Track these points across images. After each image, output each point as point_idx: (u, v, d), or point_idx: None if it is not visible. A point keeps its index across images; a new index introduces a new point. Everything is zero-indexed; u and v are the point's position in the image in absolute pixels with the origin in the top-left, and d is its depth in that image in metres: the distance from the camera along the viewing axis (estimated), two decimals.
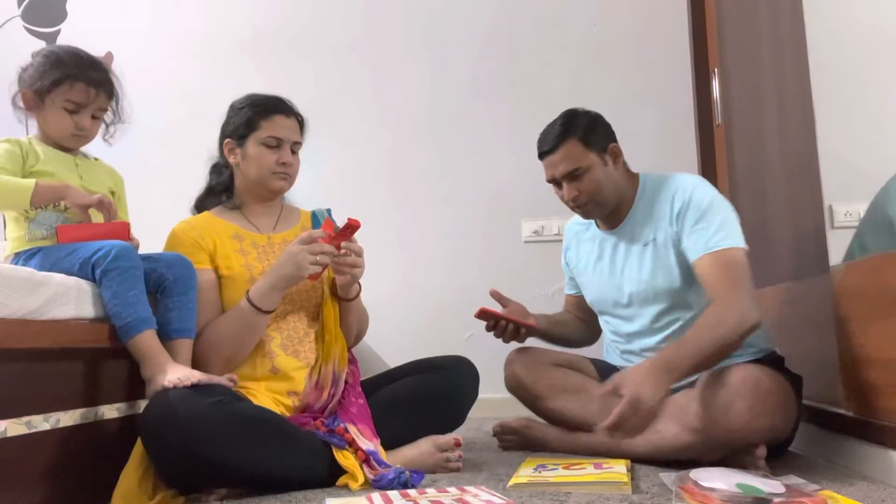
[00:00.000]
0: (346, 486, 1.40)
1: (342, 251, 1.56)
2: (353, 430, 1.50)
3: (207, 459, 1.29)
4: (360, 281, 1.68)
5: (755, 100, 2.29)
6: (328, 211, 1.60)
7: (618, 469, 1.40)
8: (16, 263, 1.48)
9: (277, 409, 1.52)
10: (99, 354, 1.44)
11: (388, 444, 1.54)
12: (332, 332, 1.67)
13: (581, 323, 1.97)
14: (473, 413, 1.80)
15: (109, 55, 2.88)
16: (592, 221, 1.82)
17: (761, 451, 1.41)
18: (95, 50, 1.62)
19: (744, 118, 2.42)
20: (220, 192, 1.74)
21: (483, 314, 1.77)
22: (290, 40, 3.10)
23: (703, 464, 1.32)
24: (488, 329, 1.81)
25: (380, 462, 1.44)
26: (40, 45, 2.79)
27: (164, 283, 1.48)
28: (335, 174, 2.94)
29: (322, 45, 3.07)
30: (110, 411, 1.46)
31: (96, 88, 1.55)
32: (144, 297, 1.42)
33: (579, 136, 1.66)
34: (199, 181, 1.78)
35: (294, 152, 1.70)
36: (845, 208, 1.87)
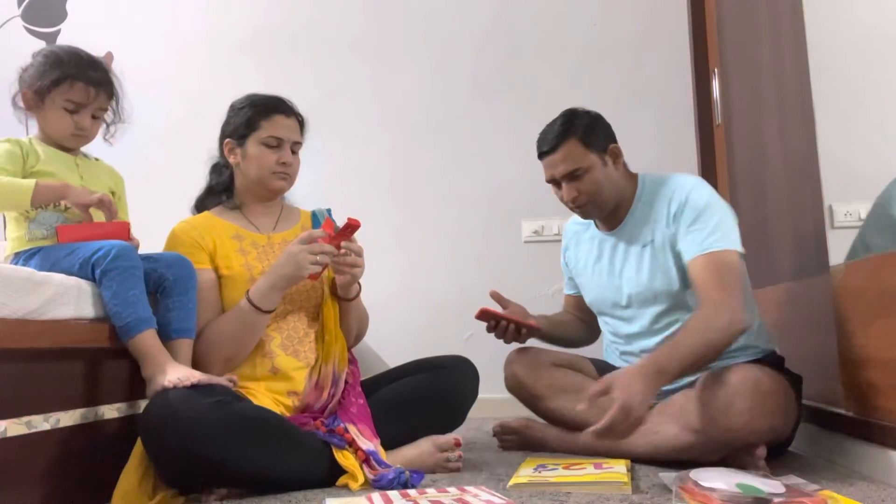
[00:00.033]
0: (346, 486, 1.40)
1: (342, 251, 1.56)
2: (353, 430, 1.50)
3: (207, 459, 1.29)
4: (360, 281, 1.68)
5: (755, 100, 2.29)
6: (328, 211, 1.60)
7: (618, 469, 1.40)
8: (16, 263, 1.48)
9: (277, 410, 1.52)
10: (99, 354, 1.44)
11: (388, 444, 1.54)
12: (332, 332, 1.67)
13: (581, 323, 1.97)
14: (473, 413, 1.80)
15: (109, 55, 2.88)
16: (592, 221, 1.82)
17: (761, 452, 1.41)
18: (95, 50, 1.62)
19: (744, 118, 2.42)
20: (220, 191, 1.74)
21: (484, 315, 1.76)
22: (290, 40, 3.10)
23: (703, 464, 1.31)
24: (489, 330, 1.80)
25: (380, 462, 1.44)
26: (40, 45, 2.79)
27: (164, 283, 1.48)
28: (335, 174, 2.94)
29: (322, 45, 3.07)
30: (110, 411, 1.46)
31: (96, 88, 1.55)
32: (144, 297, 1.42)
33: (579, 136, 1.65)
34: (199, 181, 1.78)
35: (294, 152, 1.70)
36: (845, 208, 1.87)
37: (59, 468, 1.32)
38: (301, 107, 1.74)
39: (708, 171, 2.71)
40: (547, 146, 1.68)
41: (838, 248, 1.63)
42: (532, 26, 2.94)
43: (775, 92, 2.12)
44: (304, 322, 1.66)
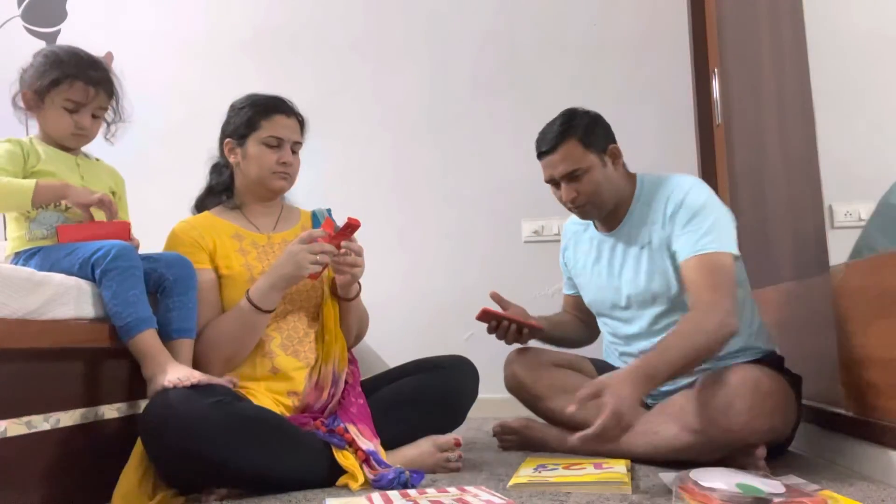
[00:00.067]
0: (346, 486, 1.40)
1: (342, 250, 1.56)
2: (353, 430, 1.50)
3: (207, 459, 1.29)
4: (361, 281, 1.68)
5: (755, 100, 2.29)
6: (328, 211, 1.60)
7: (618, 469, 1.40)
8: (16, 263, 1.48)
9: (277, 410, 1.52)
10: (99, 354, 1.44)
11: (388, 444, 1.54)
12: (332, 332, 1.67)
13: (580, 323, 1.96)
14: (473, 413, 1.80)
15: (109, 55, 2.88)
16: (591, 221, 1.82)
17: (761, 452, 1.41)
18: (95, 50, 1.62)
19: (744, 118, 2.42)
20: (220, 191, 1.74)
21: (485, 315, 1.76)
22: (290, 40, 3.10)
23: (703, 464, 1.31)
24: (490, 331, 1.79)
25: (380, 462, 1.44)
26: (40, 45, 2.79)
27: (164, 283, 1.48)
28: (335, 174, 2.94)
29: (322, 45, 3.07)
30: (110, 411, 1.46)
31: (95, 87, 1.55)
32: (144, 297, 1.42)
33: (579, 136, 1.64)
34: (199, 181, 1.78)
35: (294, 152, 1.70)
36: (845, 208, 1.87)
37: (59, 468, 1.32)
38: (301, 107, 1.74)
39: (708, 171, 2.71)
40: (546, 146, 1.67)
41: (838, 248, 1.63)
42: (532, 26, 2.94)
43: (775, 92, 2.12)
44: (304, 322, 1.66)
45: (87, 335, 1.39)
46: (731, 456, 1.41)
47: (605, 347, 1.88)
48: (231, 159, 1.70)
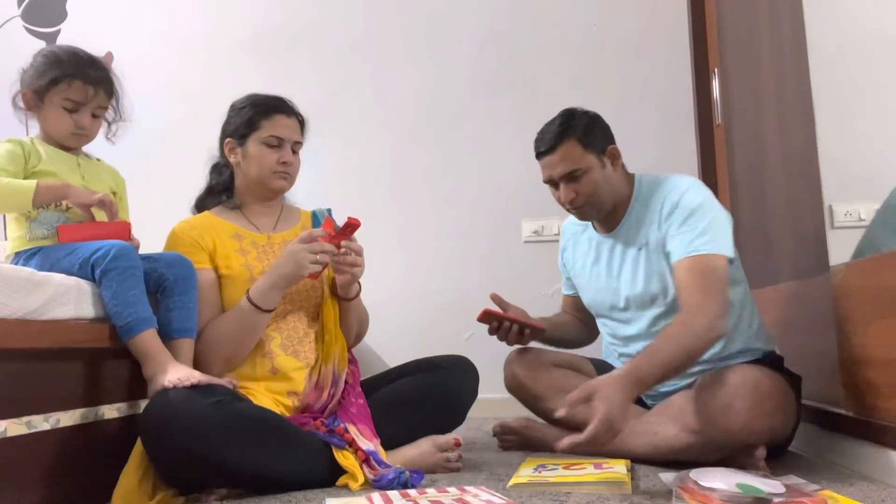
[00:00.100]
0: (346, 486, 1.40)
1: (342, 250, 1.56)
2: (352, 430, 1.50)
3: (207, 459, 1.29)
4: (361, 280, 1.68)
5: (755, 100, 2.29)
6: (328, 210, 1.60)
7: (618, 469, 1.40)
8: (16, 263, 1.48)
9: (277, 410, 1.52)
10: (99, 354, 1.44)
11: (388, 444, 1.54)
12: (331, 333, 1.67)
13: (579, 323, 1.96)
14: (473, 413, 1.80)
15: (109, 55, 2.88)
16: (590, 222, 1.81)
17: (761, 453, 1.40)
18: (96, 50, 1.62)
19: (744, 118, 2.42)
20: (220, 191, 1.74)
21: (486, 316, 1.75)
22: (290, 40, 3.10)
23: (703, 464, 1.31)
24: (491, 332, 1.79)
25: (380, 462, 1.44)
26: (40, 45, 2.79)
27: (164, 282, 1.47)
28: (336, 174, 2.94)
29: (322, 45, 3.07)
30: (110, 411, 1.46)
31: (94, 86, 1.55)
32: (144, 297, 1.42)
33: (578, 136, 1.63)
34: (199, 181, 1.78)
35: (295, 152, 1.70)
36: (845, 208, 1.87)
37: (59, 468, 1.32)
38: (301, 107, 1.74)
39: (708, 171, 2.71)
40: (545, 146, 1.66)
41: (838, 248, 1.63)
42: (532, 26, 2.94)
43: (775, 92, 2.12)
44: (304, 322, 1.66)
45: (87, 335, 1.38)
46: (731, 456, 1.41)
47: (604, 348, 1.88)
48: (231, 159, 1.70)
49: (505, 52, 2.95)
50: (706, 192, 1.61)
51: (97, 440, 1.42)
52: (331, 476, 1.43)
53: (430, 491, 1.29)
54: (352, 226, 1.53)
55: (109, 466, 1.36)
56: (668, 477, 1.35)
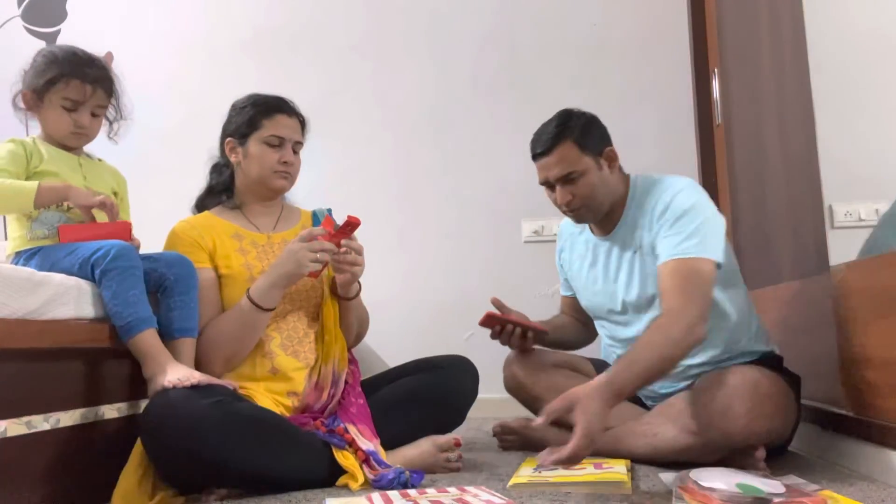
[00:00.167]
0: (346, 486, 1.40)
1: (342, 249, 1.56)
2: (352, 430, 1.50)
3: (207, 459, 1.29)
4: (361, 280, 1.68)
5: (755, 100, 2.29)
6: (328, 210, 1.60)
7: (618, 469, 1.40)
8: (16, 263, 1.48)
9: (277, 410, 1.52)
10: (99, 354, 1.44)
11: (388, 444, 1.54)
12: (331, 333, 1.67)
13: (579, 325, 1.95)
14: (473, 413, 1.80)
15: (109, 55, 2.87)
16: (586, 224, 1.79)
17: (760, 454, 1.40)
18: (96, 50, 1.62)
19: (744, 118, 2.42)
20: (220, 191, 1.74)
21: (489, 320, 1.74)
22: (290, 40, 3.10)
23: (703, 464, 1.31)
24: (493, 336, 1.78)
25: (380, 462, 1.44)
26: (40, 45, 2.79)
27: (164, 282, 1.48)
28: (336, 174, 2.94)
29: (323, 45, 3.07)
30: (110, 411, 1.46)
31: (92, 85, 1.54)
32: (144, 297, 1.42)
33: (574, 137, 1.61)
34: (199, 181, 1.78)
35: (295, 152, 1.70)
36: (845, 208, 1.87)
37: (59, 468, 1.32)
38: (302, 107, 1.74)
39: (708, 171, 2.71)
40: (541, 148, 1.64)
41: (838, 248, 1.63)
42: (532, 27, 2.94)
43: (775, 92, 2.12)
44: (304, 322, 1.66)
45: (87, 335, 1.38)
46: (730, 457, 1.41)
47: (603, 349, 1.88)
48: (232, 158, 1.70)
49: (505, 52, 2.95)
50: (699, 194, 1.59)
51: (97, 440, 1.42)
52: (331, 476, 1.43)
53: (430, 491, 1.29)
54: (352, 224, 1.52)
55: (109, 466, 1.36)
56: (668, 477, 1.35)
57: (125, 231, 1.51)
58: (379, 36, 3.05)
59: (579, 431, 1.24)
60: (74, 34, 3.16)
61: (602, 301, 1.75)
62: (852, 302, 1.48)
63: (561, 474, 1.40)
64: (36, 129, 1.60)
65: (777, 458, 1.53)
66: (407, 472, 1.39)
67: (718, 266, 1.51)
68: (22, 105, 1.56)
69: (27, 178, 1.48)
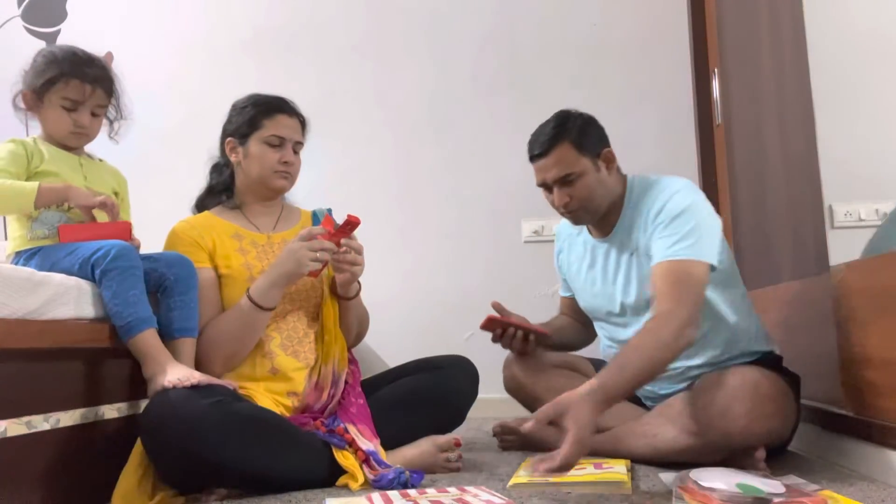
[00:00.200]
0: (346, 486, 1.40)
1: (342, 248, 1.56)
2: (352, 430, 1.50)
3: (207, 459, 1.29)
4: (361, 280, 1.68)
5: (755, 100, 2.29)
6: (328, 210, 1.60)
7: (618, 469, 1.40)
8: (16, 263, 1.48)
9: (277, 410, 1.52)
10: (99, 354, 1.44)
11: (388, 444, 1.54)
12: (331, 333, 1.67)
13: (579, 326, 1.94)
14: (473, 413, 1.80)
15: (109, 55, 2.87)
16: (584, 226, 1.78)
17: (760, 454, 1.40)
18: (96, 50, 1.62)
19: (744, 118, 2.42)
20: (220, 191, 1.74)
21: (490, 323, 1.73)
22: (290, 40, 3.10)
23: (703, 464, 1.31)
24: (495, 339, 1.77)
25: (380, 462, 1.44)
26: (40, 45, 2.80)
27: (164, 282, 1.48)
28: (336, 174, 2.94)
29: (323, 45, 3.07)
30: (110, 411, 1.46)
31: (92, 84, 1.54)
32: (145, 297, 1.42)
33: (572, 139, 1.60)
34: (199, 181, 1.78)
35: (296, 152, 1.70)
36: (845, 208, 1.87)
37: (59, 468, 1.32)
38: (302, 107, 1.74)
39: (708, 171, 2.71)
40: (539, 149, 1.62)
41: (838, 248, 1.63)
42: (532, 27, 2.94)
43: (775, 92, 2.12)
44: (303, 322, 1.66)
45: (87, 335, 1.38)
46: (730, 457, 1.41)
47: (602, 349, 1.88)
48: (232, 158, 1.70)
49: (505, 52, 2.95)
50: (696, 196, 1.57)
51: (97, 440, 1.42)
52: (331, 476, 1.43)
53: (430, 491, 1.29)
54: (351, 223, 1.52)
55: (109, 466, 1.36)
56: (668, 477, 1.35)
57: (125, 231, 1.51)
58: (379, 36, 3.05)
59: (570, 438, 1.22)
60: (74, 34, 3.16)
61: (601, 303, 1.74)
62: (852, 302, 1.48)
63: (561, 474, 1.39)
64: (36, 129, 1.60)
65: (777, 458, 1.53)
66: (407, 472, 1.39)
67: (713, 268, 1.50)
68: (22, 105, 1.56)
69: (28, 179, 1.48)
